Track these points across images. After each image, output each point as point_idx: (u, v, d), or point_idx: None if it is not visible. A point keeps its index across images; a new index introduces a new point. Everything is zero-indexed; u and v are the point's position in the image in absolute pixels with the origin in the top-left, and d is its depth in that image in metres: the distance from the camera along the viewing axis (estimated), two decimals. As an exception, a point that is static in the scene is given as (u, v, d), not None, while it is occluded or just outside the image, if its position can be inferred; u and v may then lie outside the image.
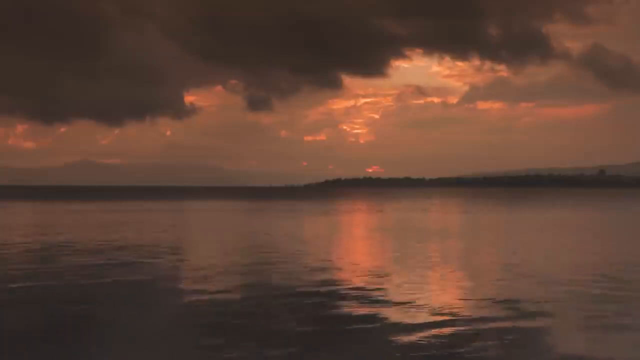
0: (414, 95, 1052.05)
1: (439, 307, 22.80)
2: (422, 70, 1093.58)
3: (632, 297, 25.24)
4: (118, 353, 17.30)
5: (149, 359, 16.92)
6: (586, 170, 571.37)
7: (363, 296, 25.11)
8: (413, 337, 18.64)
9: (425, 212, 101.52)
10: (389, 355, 16.94)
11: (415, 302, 23.88)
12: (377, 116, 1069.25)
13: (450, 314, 21.81)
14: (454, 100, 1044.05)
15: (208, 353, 17.16)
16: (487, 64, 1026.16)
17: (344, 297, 24.96)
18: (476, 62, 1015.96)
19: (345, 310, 22.58)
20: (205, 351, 17.32)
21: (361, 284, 27.98)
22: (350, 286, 27.57)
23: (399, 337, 18.64)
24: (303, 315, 21.69)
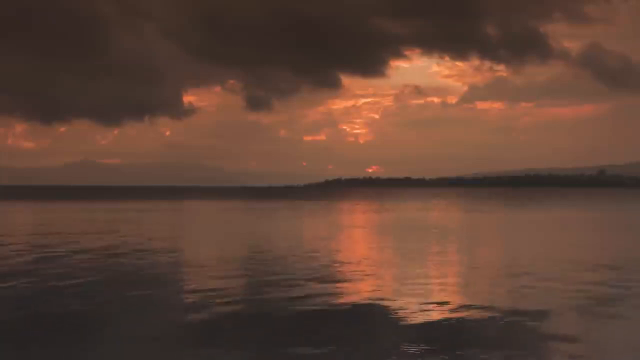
0: (414, 95, 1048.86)
1: (439, 305, 22.76)
2: (421, 70, 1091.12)
3: (631, 294, 25.20)
4: (118, 353, 17.22)
5: (148, 359, 16.85)
6: (586, 170, 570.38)
7: (362, 292, 25.05)
8: (413, 336, 18.60)
9: (427, 212, 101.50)
10: (386, 352, 16.87)
11: (415, 300, 23.82)
12: (376, 116, 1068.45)
13: (450, 311, 21.79)
14: (453, 100, 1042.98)
15: (208, 353, 17.08)
16: (487, 64, 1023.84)
17: (344, 296, 24.90)
18: (475, 62, 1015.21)
19: (345, 309, 22.52)
20: (205, 351, 17.24)
21: (361, 282, 27.93)
22: (351, 284, 27.51)
23: (397, 336, 18.59)
24: (303, 313, 21.61)
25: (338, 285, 27.59)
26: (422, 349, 17.15)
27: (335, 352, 17.07)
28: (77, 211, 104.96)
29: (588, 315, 21.59)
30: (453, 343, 17.74)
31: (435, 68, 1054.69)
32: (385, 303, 23.33)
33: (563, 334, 18.94)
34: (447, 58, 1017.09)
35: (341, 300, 24.01)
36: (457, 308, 22.37)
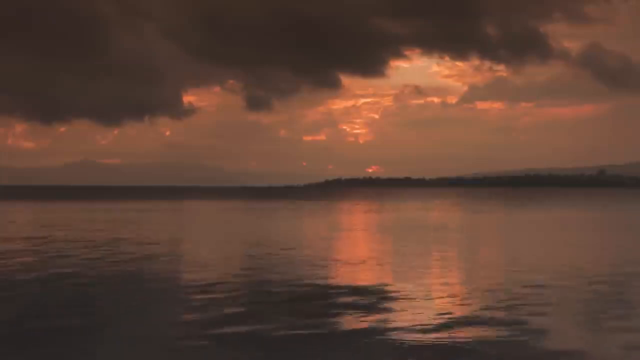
0: (414, 95, 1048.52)
1: (438, 306, 22.76)
2: (421, 70, 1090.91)
3: (630, 297, 25.18)
4: (119, 354, 17.22)
5: (148, 359, 16.86)
6: (586, 170, 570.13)
7: (362, 294, 25.06)
8: (410, 336, 18.58)
9: (427, 212, 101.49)
10: (385, 354, 16.85)
11: (414, 300, 23.83)
12: (376, 116, 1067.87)
13: (448, 312, 21.80)
14: (453, 100, 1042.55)
15: (209, 354, 17.08)
16: (486, 64, 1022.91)
17: (343, 296, 24.91)
18: (475, 62, 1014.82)
19: (344, 308, 22.52)
20: (206, 352, 17.24)
21: (361, 288, 27.90)
22: (350, 285, 27.51)
23: (396, 337, 18.57)
24: (303, 315, 21.62)
25: (338, 289, 27.56)
26: (419, 349, 17.09)
27: (335, 351, 17.05)
28: (77, 211, 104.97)
29: (590, 323, 21.31)
30: (450, 343, 17.64)
31: (435, 68, 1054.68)
32: (385, 314, 22.88)
33: (565, 347, 18.53)
34: (447, 58, 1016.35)
35: (341, 308, 23.97)
36: (457, 320, 21.48)
